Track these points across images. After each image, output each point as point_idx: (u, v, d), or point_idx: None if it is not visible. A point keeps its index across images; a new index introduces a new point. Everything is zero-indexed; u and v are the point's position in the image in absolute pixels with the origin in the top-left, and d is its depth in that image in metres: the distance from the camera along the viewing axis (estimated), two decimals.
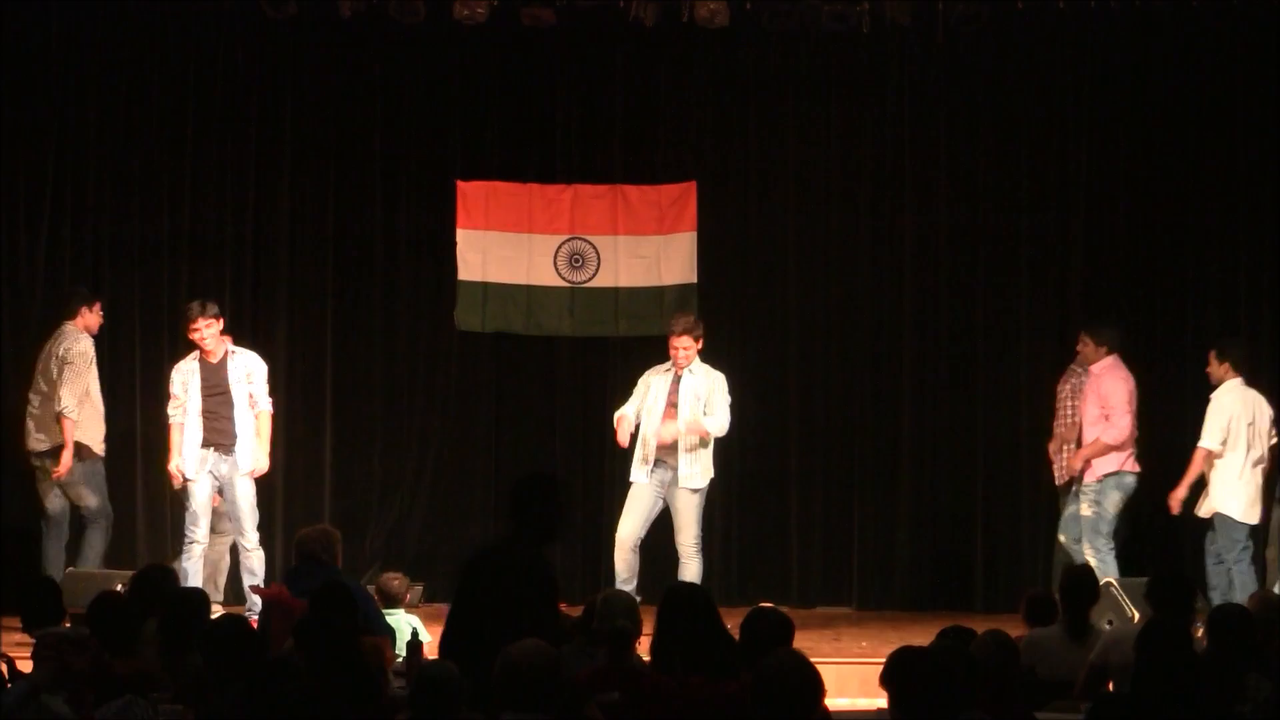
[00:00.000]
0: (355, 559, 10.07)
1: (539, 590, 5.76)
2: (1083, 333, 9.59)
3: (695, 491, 9.43)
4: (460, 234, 10.71)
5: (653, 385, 9.49)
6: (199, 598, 6.39)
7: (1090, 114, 10.68)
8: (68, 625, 6.45)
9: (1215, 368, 9.49)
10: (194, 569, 9.24)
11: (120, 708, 5.04)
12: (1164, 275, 10.63)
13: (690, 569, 9.46)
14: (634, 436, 9.46)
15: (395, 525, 10.59)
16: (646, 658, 6.25)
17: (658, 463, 9.44)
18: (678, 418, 9.36)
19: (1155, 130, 10.60)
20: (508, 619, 5.44)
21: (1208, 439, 9.33)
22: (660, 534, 9.85)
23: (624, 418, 9.48)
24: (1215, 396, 9.41)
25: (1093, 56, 10.67)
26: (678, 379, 9.42)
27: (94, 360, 9.66)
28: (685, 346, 9.37)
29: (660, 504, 9.47)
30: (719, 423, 9.43)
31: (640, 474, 9.45)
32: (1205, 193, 10.57)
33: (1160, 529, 9.97)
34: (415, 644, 6.73)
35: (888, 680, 4.59)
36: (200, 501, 9.46)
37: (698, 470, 9.42)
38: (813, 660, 4.67)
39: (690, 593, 6.14)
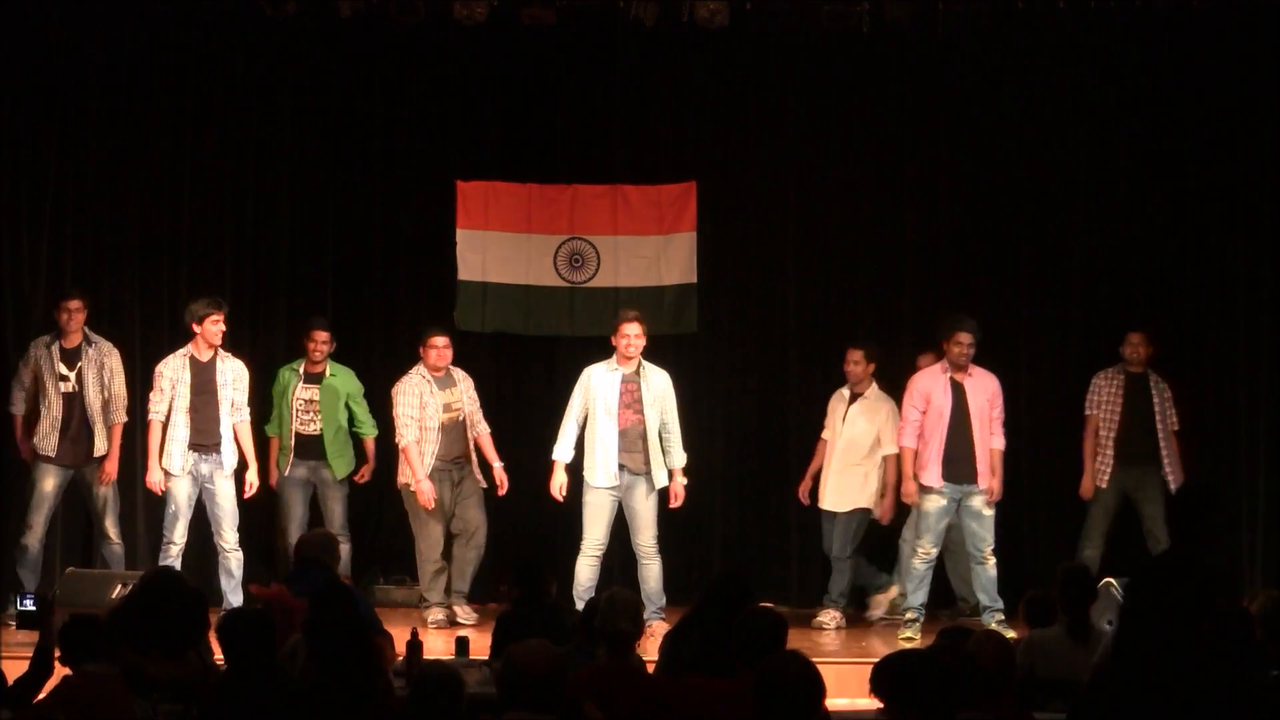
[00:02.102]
0: (355, 560, 10.08)
1: (1200, 601, 5.77)
2: (972, 334, 9.56)
3: (656, 490, 9.50)
4: (460, 234, 10.71)
5: (597, 385, 9.48)
6: (200, 599, 6.40)
7: (1090, 114, 10.68)
8: None
9: (866, 368, 9.93)
10: None
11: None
12: (1164, 275, 10.63)
13: (654, 569, 9.49)
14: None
15: (396, 525, 10.56)
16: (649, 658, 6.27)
17: (619, 465, 9.47)
18: (645, 419, 9.43)
19: (1155, 130, 10.59)
20: (1180, 632, 5.39)
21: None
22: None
23: (559, 464, 9.60)
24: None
25: (1093, 56, 10.67)
26: (633, 376, 9.42)
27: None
28: (638, 335, 9.41)
29: (617, 506, 9.50)
30: (680, 445, 9.62)
31: (603, 478, 9.46)
32: (1205, 193, 10.57)
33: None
34: (415, 644, 6.74)
35: (878, 688, 4.59)
36: (181, 502, 9.49)
37: (660, 465, 9.49)
38: (813, 660, 4.67)
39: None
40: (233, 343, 9.96)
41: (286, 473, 10.06)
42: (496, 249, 10.74)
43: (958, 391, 9.55)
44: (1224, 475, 10.43)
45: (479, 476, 9.91)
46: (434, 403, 9.79)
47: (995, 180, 10.73)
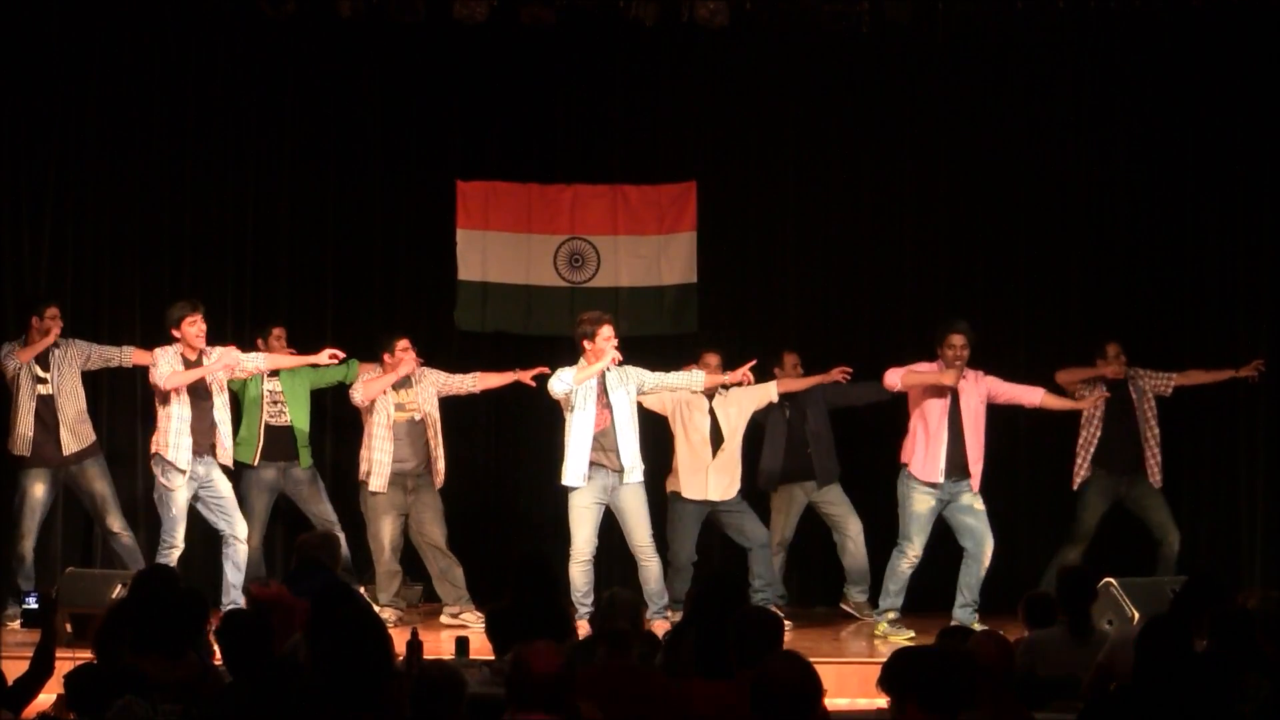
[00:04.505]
0: (355, 560, 10.07)
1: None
2: (965, 335, 9.52)
3: (641, 485, 9.42)
4: (460, 234, 10.71)
5: (578, 387, 9.35)
6: (199, 599, 6.40)
7: (1090, 114, 10.68)
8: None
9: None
10: None
11: (120, 708, 5.05)
12: (1163, 275, 10.63)
13: (653, 569, 9.42)
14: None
15: None
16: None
17: (594, 466, 9.35)
18: (612, 418, 9.31)
19: (1155, 130, 10.60)
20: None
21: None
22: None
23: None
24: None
25: (1093, 56, 10.67)
26: (602, 378, 9.35)
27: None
28: (612, 335, 9.33)
29: (603, 509, 9.43)
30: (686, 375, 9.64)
31: (572, 477, 9.34)
32: (1205, 193, 10.57)
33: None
34: (415, 644, 6.74)
35: (887, 683, 4.58)
36: (182, 506, 9.45)
37: (637, 461, 9.40)
38: (813, 660, 4.67)
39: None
40: (234, 342, 9.96)
41: (255, 463, 10.02)
42: (496, 249, 10.74)
43: (953, 393, 9.53)
44: (1224, 475, 10.43)
45: (438, 476, 9.84)
46: (385, 400, 9.76)
47: (995, 180, 10.73)
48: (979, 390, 9.54)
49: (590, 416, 9.31)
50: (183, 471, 9.40)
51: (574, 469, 9.33)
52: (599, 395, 9.34)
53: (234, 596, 9.37)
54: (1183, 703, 5.01)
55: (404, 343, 9.78)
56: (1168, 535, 9.92)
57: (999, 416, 9.73)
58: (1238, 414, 10.41)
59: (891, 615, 9.53)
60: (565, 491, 9.41)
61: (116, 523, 9.71)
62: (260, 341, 10.09)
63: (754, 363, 9.67)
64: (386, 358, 9.80)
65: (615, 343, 9.31)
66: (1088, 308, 10.65)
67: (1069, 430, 10.13)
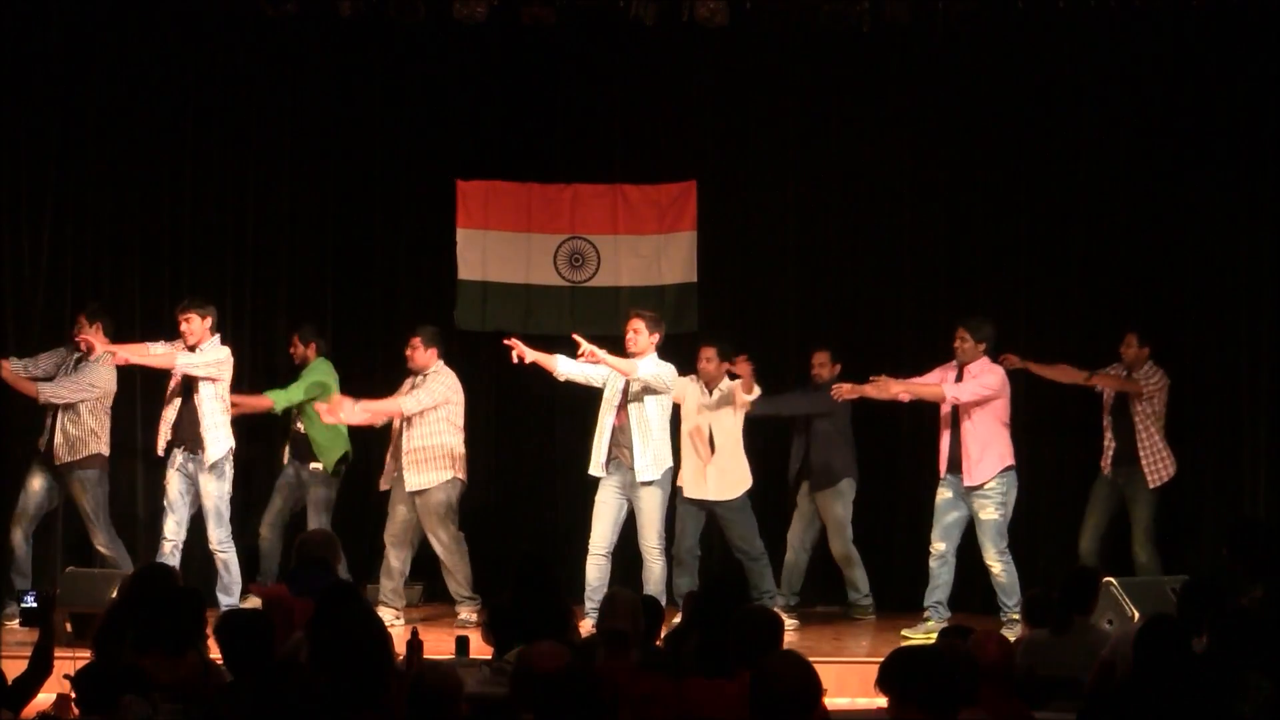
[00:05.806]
0: (355, 560, 10.06)
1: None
2: (962, 327, 9.55)
3: (651, 484, 9.39)
4: (460, 233, 10.72)
5: (610, 378, 9.45)
6: (198, 597, 6.39)
7: (1090, 114, 10.68)
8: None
9: (720, 366, 9.71)
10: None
11: (121, 707, 5.06)
12: (1164, 274, 10.62)
13: (655, 571, 9.41)
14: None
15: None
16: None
17: (615, 460, 9.40)
18: (628, 416, 9.35)
19: (1155, 130, 10.59)
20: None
21: None
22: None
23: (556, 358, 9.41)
24: None
25: (1093, 56, 10.67)
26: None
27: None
28: (636, 329, 9.38)
29: (626, 505, 9.45)
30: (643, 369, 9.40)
31: (593, 467, 9.44)
32: (1205, 193, 10.56)
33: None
34: (415, 644, 6.74)
35: (885, 682, 4.58)
36: (172, 498, 9.53)
37: (650, 461, 9.38)
38: (813, 660, 4.67)
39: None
40: (233, 342, 9.96)
41: (285, 461, 10.17)
42: (496, 248, 10.75)
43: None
44: (1224, 475, 10.43)
45: (408, 480, 9.74)
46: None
47: (995, 180, 10.73)
48: (972, 376, 9.57)
49: (613, 411, 9.41)
50: (161, 458, 9.54)
51: (595, 459, 9.46)
52: (622, 391, 9.40)
53: (221, 602, 9.42)
54: (1183, 703, 5.01)
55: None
56: (1137, 547, 9.86)
57: None
58: (1240, 414, 10.40)
59: (926, 613, 9.52)
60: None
61: (99, 538, 9.76)
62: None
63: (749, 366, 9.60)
64: None
65: (631, 338, 9.40)
66: (1088, 307, 10.64)
67: (1067, 430, 10.13)
